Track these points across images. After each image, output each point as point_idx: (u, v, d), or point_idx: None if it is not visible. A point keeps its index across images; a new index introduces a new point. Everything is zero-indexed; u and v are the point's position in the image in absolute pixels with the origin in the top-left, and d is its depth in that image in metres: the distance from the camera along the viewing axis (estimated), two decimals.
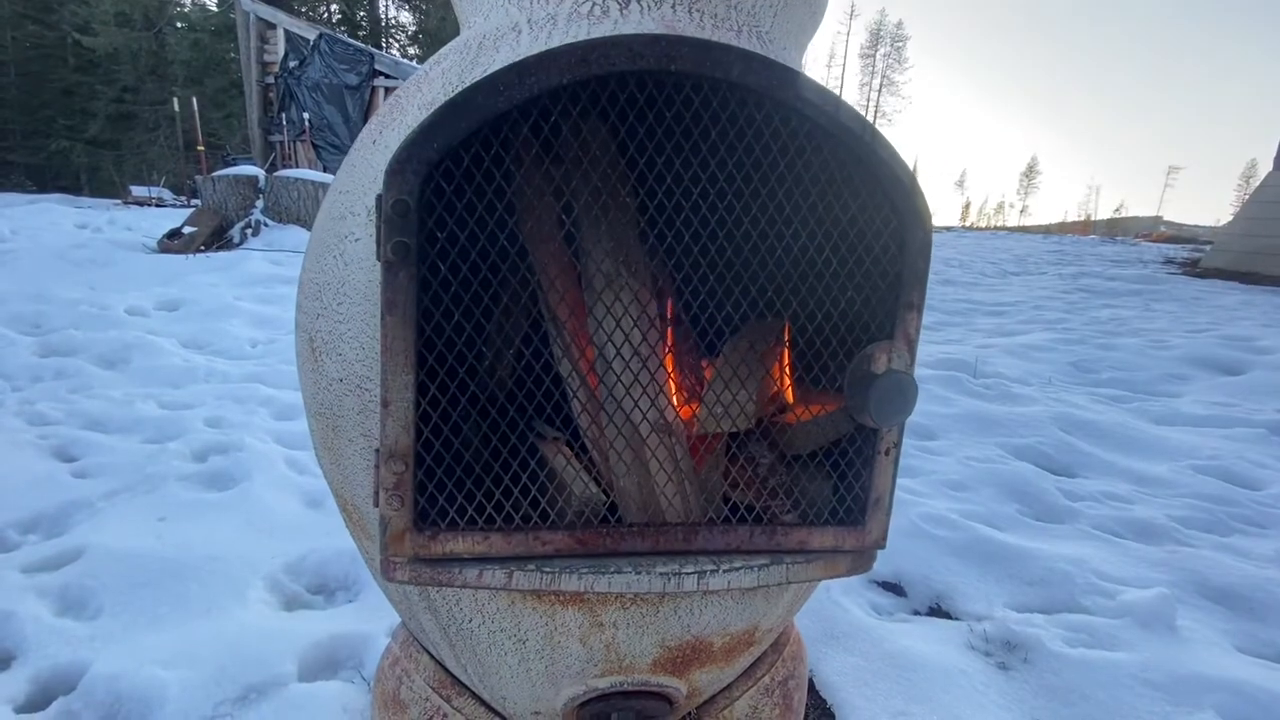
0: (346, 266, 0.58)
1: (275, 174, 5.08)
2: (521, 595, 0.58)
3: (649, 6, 0.58)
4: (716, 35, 0.58)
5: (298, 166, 9.37)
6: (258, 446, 1.87)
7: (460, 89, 0.58)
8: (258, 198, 5.00)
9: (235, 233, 4.78)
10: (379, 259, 0.49)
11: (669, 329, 0.75)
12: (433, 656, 0.70)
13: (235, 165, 6.81)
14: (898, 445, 0.59)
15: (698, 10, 0.59)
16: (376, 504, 0.52)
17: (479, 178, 0.52)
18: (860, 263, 0.59)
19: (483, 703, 0.68)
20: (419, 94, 0.60)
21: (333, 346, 0.59)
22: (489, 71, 0.57)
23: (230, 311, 3.34)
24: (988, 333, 4.07)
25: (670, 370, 0.69)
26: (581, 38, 0.56)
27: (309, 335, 0.62)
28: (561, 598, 0.58)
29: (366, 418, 0.58)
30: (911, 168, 0.57)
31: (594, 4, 0.59)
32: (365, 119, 9.20)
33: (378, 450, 0.52)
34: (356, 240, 0.58)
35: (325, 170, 9.17)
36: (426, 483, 0.53)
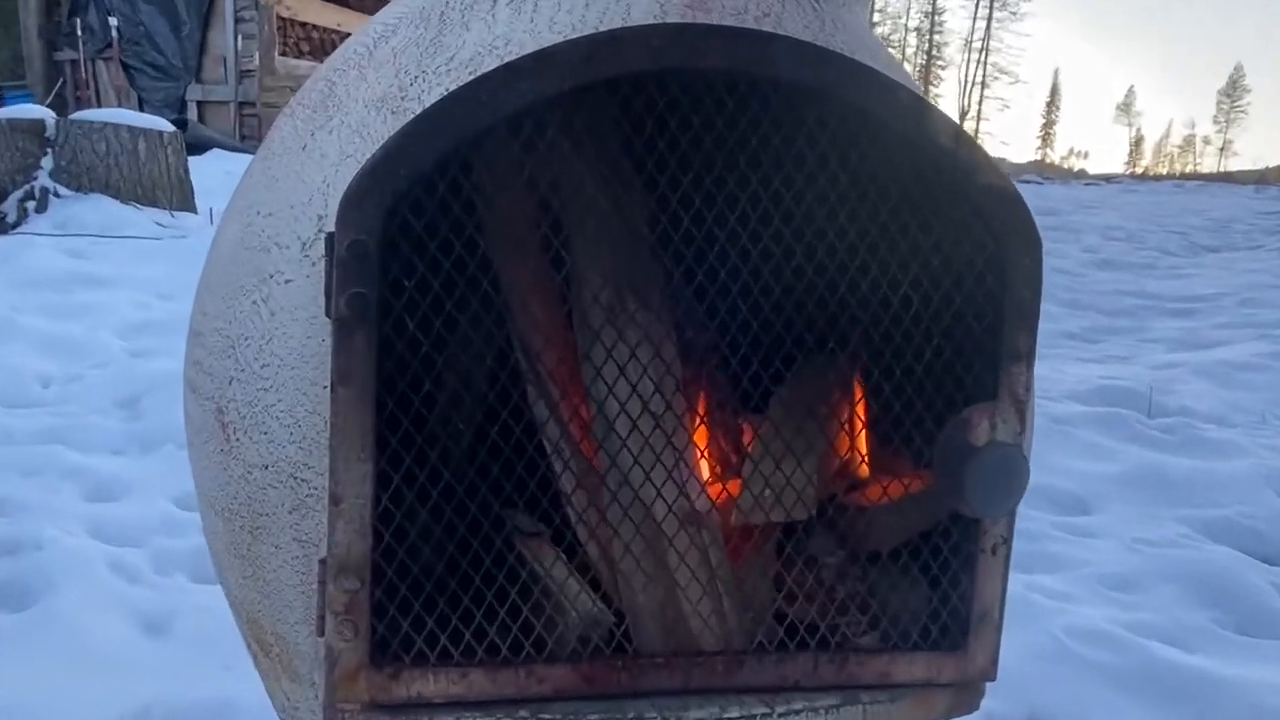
0: (273, 317, 0.68)
1: (71, 117, 5.21)
2: None
3: None
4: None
5: (99, 99, 9.52)
6: (65, 543, 1.93)
7: (420, 80, 0.69)
8: (44, 153, 5.12)
9: (10, 208, 4.88)
10: (329, 315, 0.59)
11: (693, 377, 0.85)
12: None
13: (3, 103, 6.93)
14: (1007, 540, 0.70)
15: None
16: (321, 632, 0.62)
17: (456, 206, 0.63)
18: (949, 299, 0.70)
19: None
20: (364, 84, 0.72)
21: (254, 423, 0.69)
22: (457, 58, 0.69)
23: (7, 331, 3.41)
24: (1169, 344, 4.19)
25: (697, 436, 0.79)
26: (579, 12, 0.68)
27: (217, 406, 0.72)
28: None
29: (302, 517, 0.67)
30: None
31: None
32: (205, 29, 9.35)
33: (324, 562, 0.62)
34: (287, 282, 0.68)
35: (142, 104, 9.31)
36: (387, 603, 0.63)
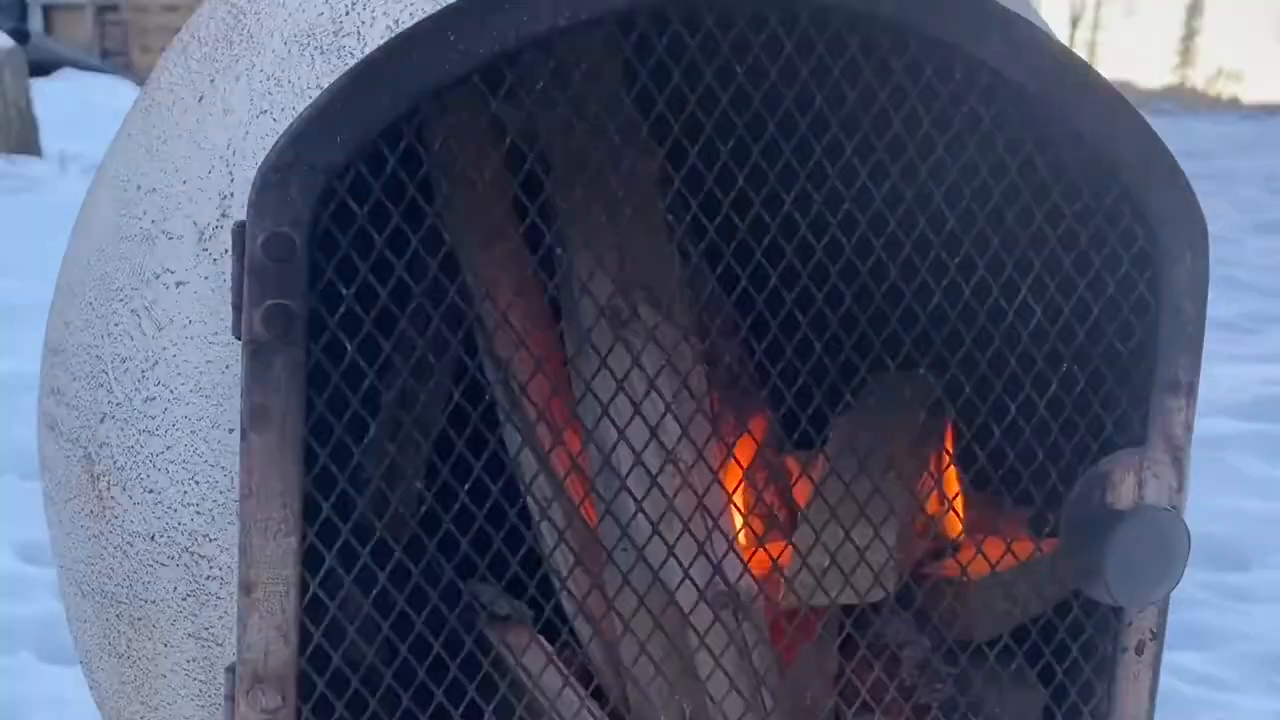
0: (160, 332, 0.67)
1: None
2: None
3: None
4: None
5: None
6: None
7: (359, 7, 0.67)
8: None
9: None
10: (238, 335, 0.58)
11: (722, 401, 0.83)
12: None
13: None
14: (1158, 635, 0.69)
15: None
16: None
17: (411, 186, 0.60)
18: (1083, 309, 0.69)
19: None
20: (282, 12, 0.70)
21: (136, 476, 0.67)
22: None
23: None
24: None
25: (733, 487, 0.77)
26: None
27: (85, 452, 0.70)
28: None
29: (201, 606, 0.66)
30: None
31: None
32: None
33: (232, 670, 0.60)
34: (179, 284, 0.66)
35: None
36: None
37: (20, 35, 6.90)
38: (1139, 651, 0.69)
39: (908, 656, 0.81)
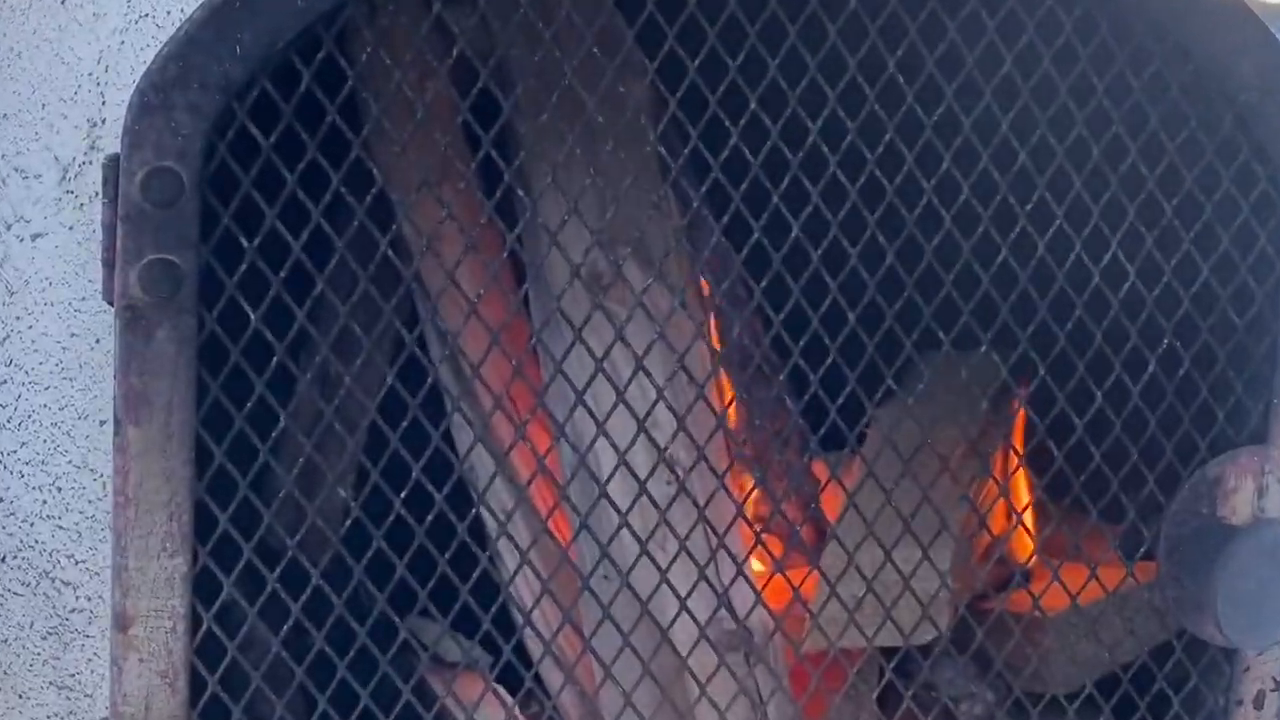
0: (12, 298, 0.65)
1: None
2: None
3: None
4: None
5: None
6: None
7: None
8: None
9: None
10: (111, 299, 0.56)
11: (739, 396, 0.82)
12: None
13: None
14: None
15: None
16: None
17: (331, 109, 0.59)
18: (1188, 272, 0.68)
19: None
20: None
21: None
22: None
23: None
24: None
25: (744, 497, 0.76)
26: None
27: None
28: None
29: (65, 647, 0.65)
30: None
31: None
32: None
33: None
34: (35, 237, 0.65)
35: None
36: None
37: None
38: (1258, 705, 0.68)
39: (965, 712, 0.81)
